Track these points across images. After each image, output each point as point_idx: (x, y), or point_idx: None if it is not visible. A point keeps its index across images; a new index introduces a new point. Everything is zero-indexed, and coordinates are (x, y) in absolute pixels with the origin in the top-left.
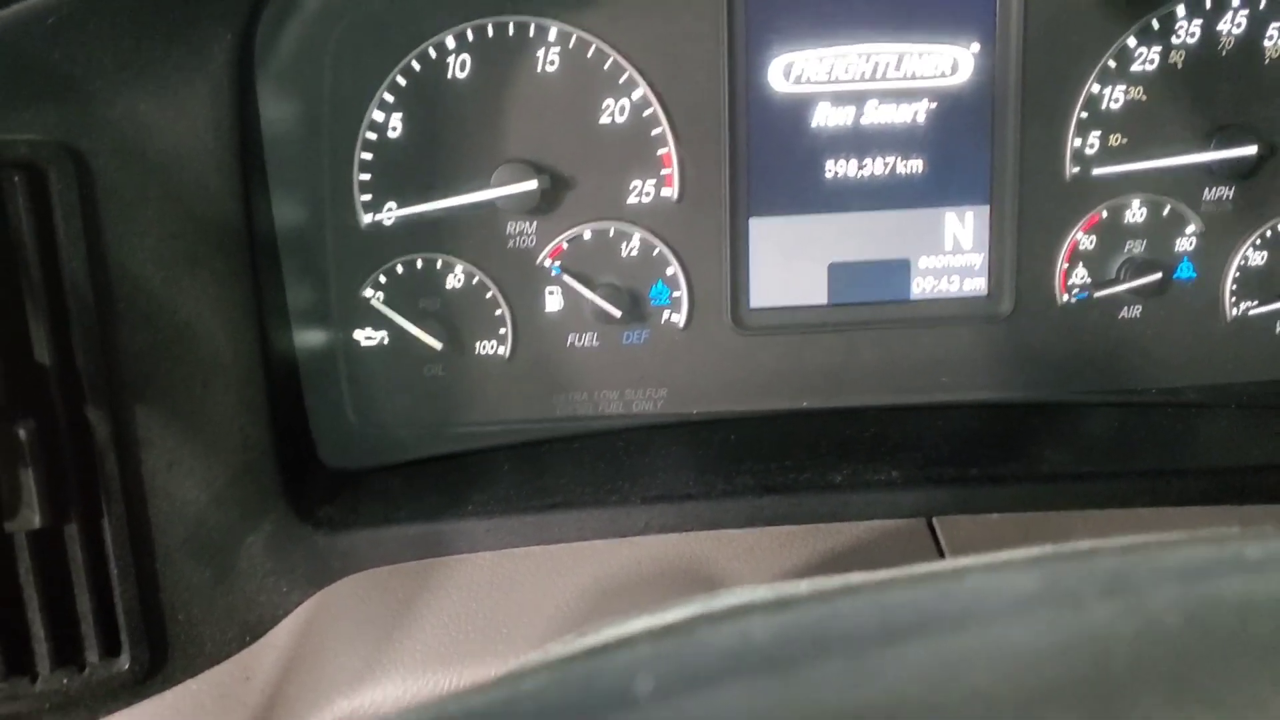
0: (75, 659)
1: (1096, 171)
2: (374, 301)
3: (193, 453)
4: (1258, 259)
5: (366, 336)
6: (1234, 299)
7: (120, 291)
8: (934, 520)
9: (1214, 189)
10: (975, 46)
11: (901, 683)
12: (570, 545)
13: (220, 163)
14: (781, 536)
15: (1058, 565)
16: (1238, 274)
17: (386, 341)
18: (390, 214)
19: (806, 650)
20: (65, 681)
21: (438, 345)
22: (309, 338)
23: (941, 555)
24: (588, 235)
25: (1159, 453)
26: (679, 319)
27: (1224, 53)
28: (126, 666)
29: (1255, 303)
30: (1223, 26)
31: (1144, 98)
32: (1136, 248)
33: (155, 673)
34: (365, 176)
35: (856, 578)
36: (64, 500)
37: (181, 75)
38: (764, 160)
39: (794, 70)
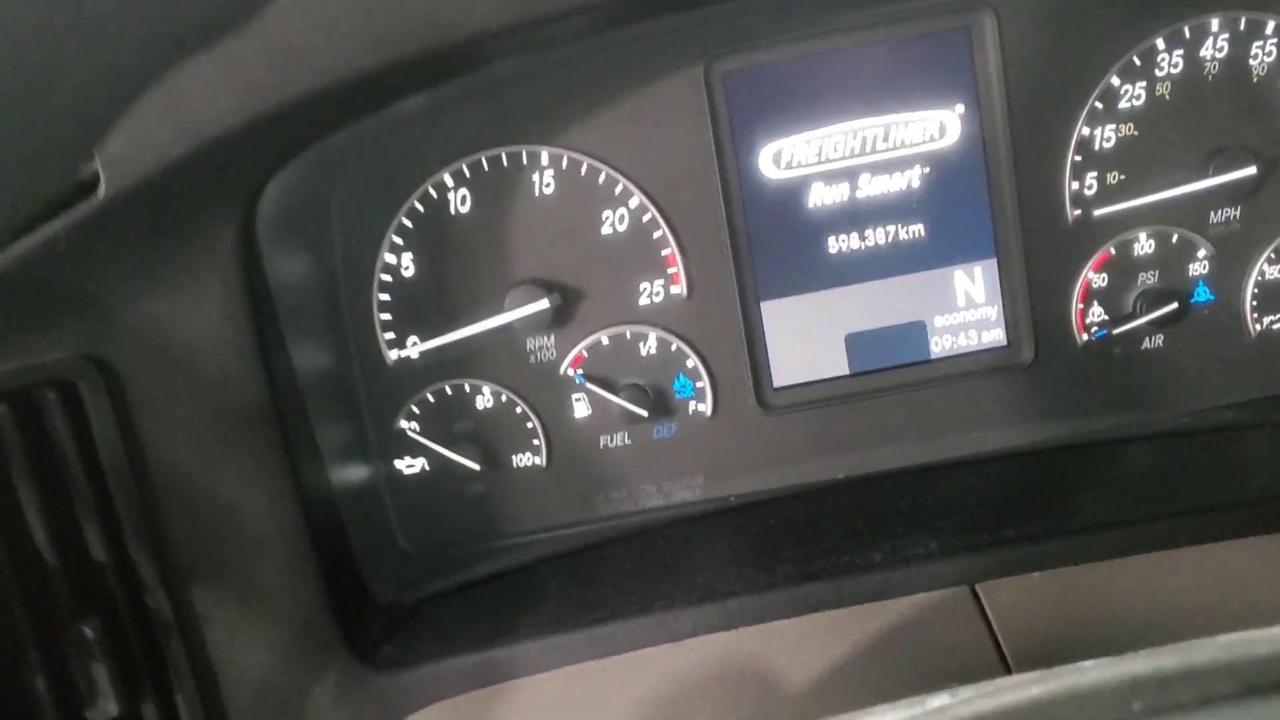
0: None
1: (1098, 212)
2: (410, 432)
3: (251, 621)
4: (1274, 272)
5: (407, 465)
6: (1255, 314)
7: (162, 483)
8: (976, 586)
9: (1219, 211)
10: (960, 108)
11: None
12: (623, 656)
13: (238, 346)
14: (827, 622)
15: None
16: (1256, 290)
17: (427, 467)
18: (414, 348)
19: None
20: None
21: (476, 466)
22: (349, 477)
23: (987, 622)
24: (605, 341)
25: (1197, 487)
26: (705, 408)
27: (1210, 78)
28: None
29: (1278, 316)
30: (1205, 53)
31: (1136, 133)
32: (1150, 279)
33: None
34: (385, 316)
35: None
36: (137, 685)
37: (191, 275)
38: (766, 245)
39: (784, 157)
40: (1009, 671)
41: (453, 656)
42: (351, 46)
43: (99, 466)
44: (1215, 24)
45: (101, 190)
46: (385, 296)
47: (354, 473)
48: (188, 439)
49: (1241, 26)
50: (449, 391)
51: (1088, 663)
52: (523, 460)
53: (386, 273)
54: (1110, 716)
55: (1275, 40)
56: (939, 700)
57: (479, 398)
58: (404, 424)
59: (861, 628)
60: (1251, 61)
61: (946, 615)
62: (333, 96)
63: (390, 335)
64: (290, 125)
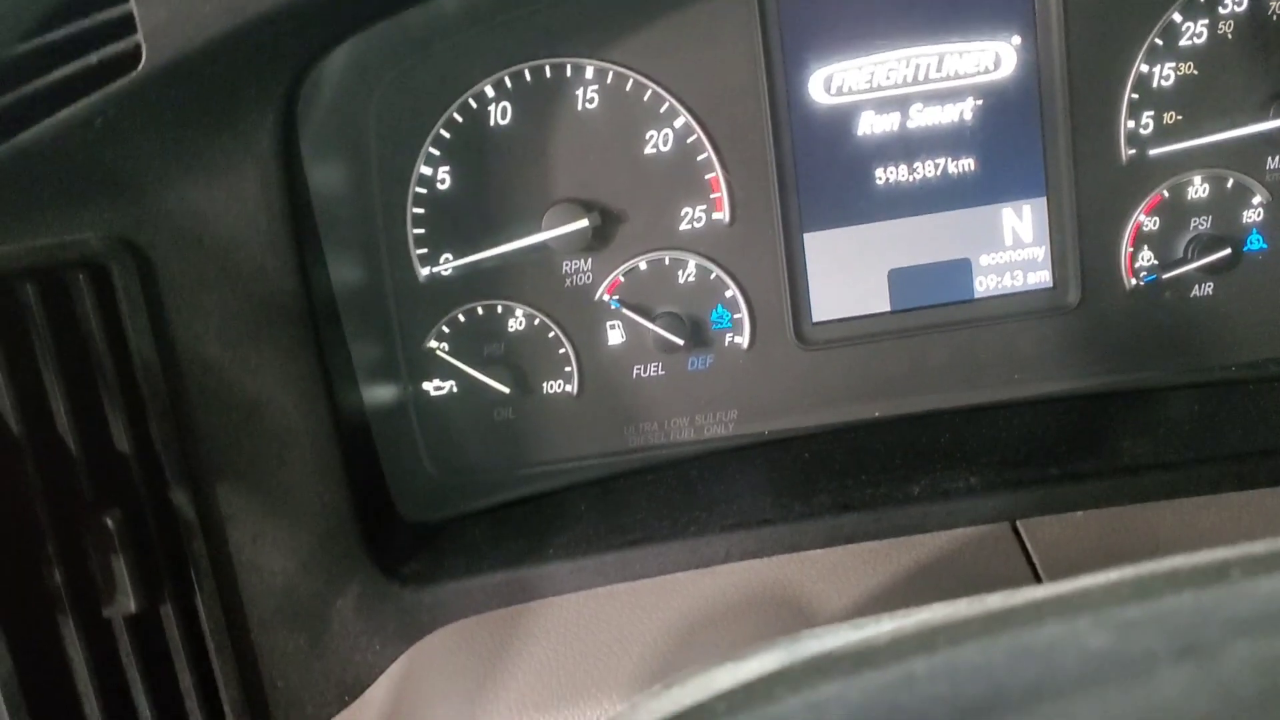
0: None
1: (1153, 152)
2: (439, 352)
3: (276, 524)
4: None
5: (435, 387)
6: None
7: (190, 375)
8: (1018, 523)
9: (1277, 157)
10: (1016, 39)
11: None
12: (653, 580)
13: (274, 240)
14: (863, 554)
15: (1130, 619)
16: None
17: (456, 390)
18: (447, 265)
19: None
20: None
21: (505, 389)
22: (379, 395)
23: (1028, 558)
24: (643, 266)
25: (1243, 433)
26: (742, 340)
27: (1275, 18)
28: None
29: None
30: None
31: (1195, 72)
32: (1202, 224)
33: None
34: (419, 231)
35: (930, 619)
36: (157, 583)
37: (228, 161)
38: (812, 174)
39: (834, 82)
40: None
41: (479, 574)
42: None
43: (127, 354)
44: None
45: (142, 63)
46: (419, 210)
47: (382, 391)
48: (219, 331)
49: None
50: (480, 312)
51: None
52: (553, 387)
53: (422, 185)
54: (1207, 580)
55: None
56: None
57: (511, 320)
58: (433, 344)
59: (897, 561)
60: None
61: (987, 551)
62: None
63: (423, 250)
64: (336, 8)
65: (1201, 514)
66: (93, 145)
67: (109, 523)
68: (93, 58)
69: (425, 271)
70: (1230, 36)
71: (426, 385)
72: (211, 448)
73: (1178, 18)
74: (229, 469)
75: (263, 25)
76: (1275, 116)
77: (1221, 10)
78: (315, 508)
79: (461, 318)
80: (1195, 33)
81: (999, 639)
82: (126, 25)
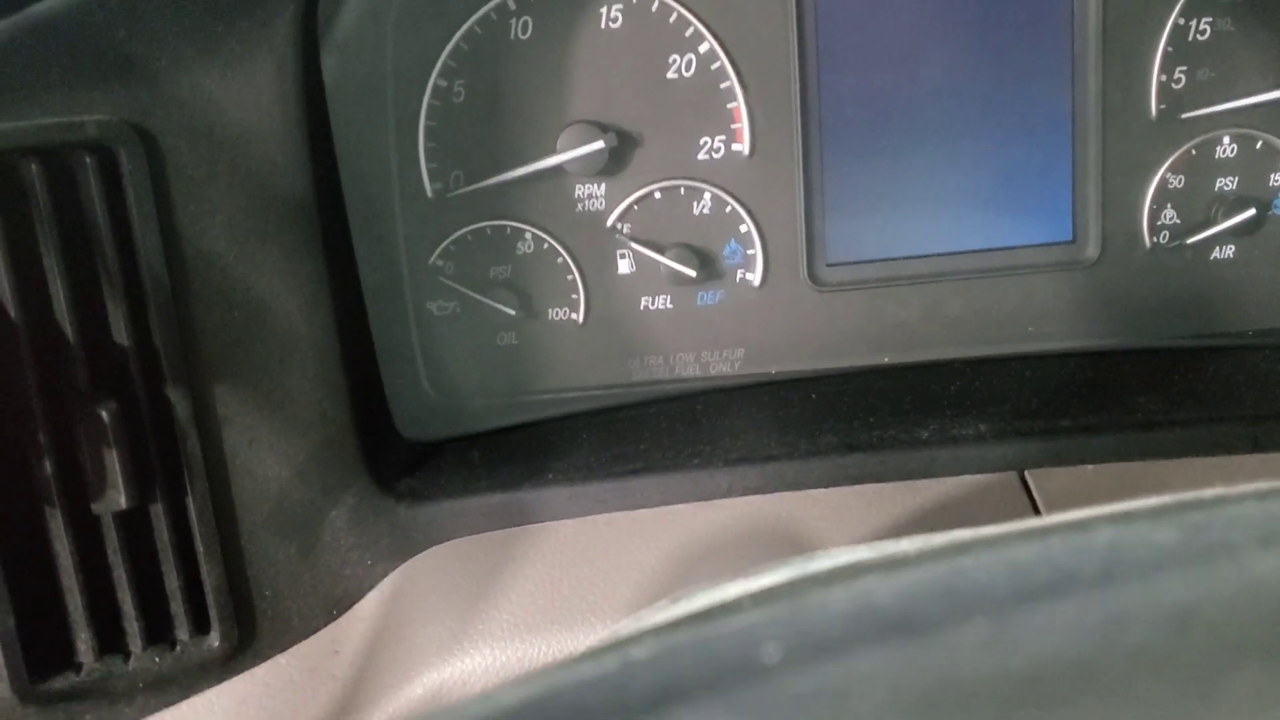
0: (166, 637)
1: (1184, 109)
2: (444, 272)
3: (272, 429)
4: None
5: (439, 306)
6: None
7: (194, 270)
8: (1026, 474)
9: None
10: None
11: (1054, 644)
12: (653, 510)
13: (287, 137)
14: (868, 495)
15: (1194, 515)
16: None
17: (459, 311)
18: (457, 183)
19: (940, 612)
20: (157, 660)
21: (511, 312)
22: (382, 309)
23: (1036, 509)
24: (658, 195)
25: (1260, 396)
26: (754, 277)
27: None
28: (217, 644)
29: None
30: None
31: (1232, 28)
32: (1228, 184)
33: (244, 649)
34: (431, 144)
35: (966, 534)
36: (149, 480)
37: (246, 49)
38: (837, 113)
39: (864, 16)
40: None
41: (476, 494)
42: None
43: (130, 243)
44: None
45: None
46: (433, 123)
47: (385, 306)
48: (226, 225)
49: None
50: (489, 233)
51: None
52: (559, 314)
53: (437, 98)
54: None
55: None
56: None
57: (519, 242)
58: (440, 262)
59: (902, 504)
60: None
61: (992, 500)
62: None
63: (434, 165)
64: None
65: (1213, 474)
66: (106, 24)
67: (103, 415)
68: None
69: (435, 187)
70: None
71: (430, 305)
72: (212, 346)
73: None
74: (228, 369)
75: None
76: None
77: None
78: (314, 416)
79: (469, 237)
80: None
81: (1052, 537)
82: None
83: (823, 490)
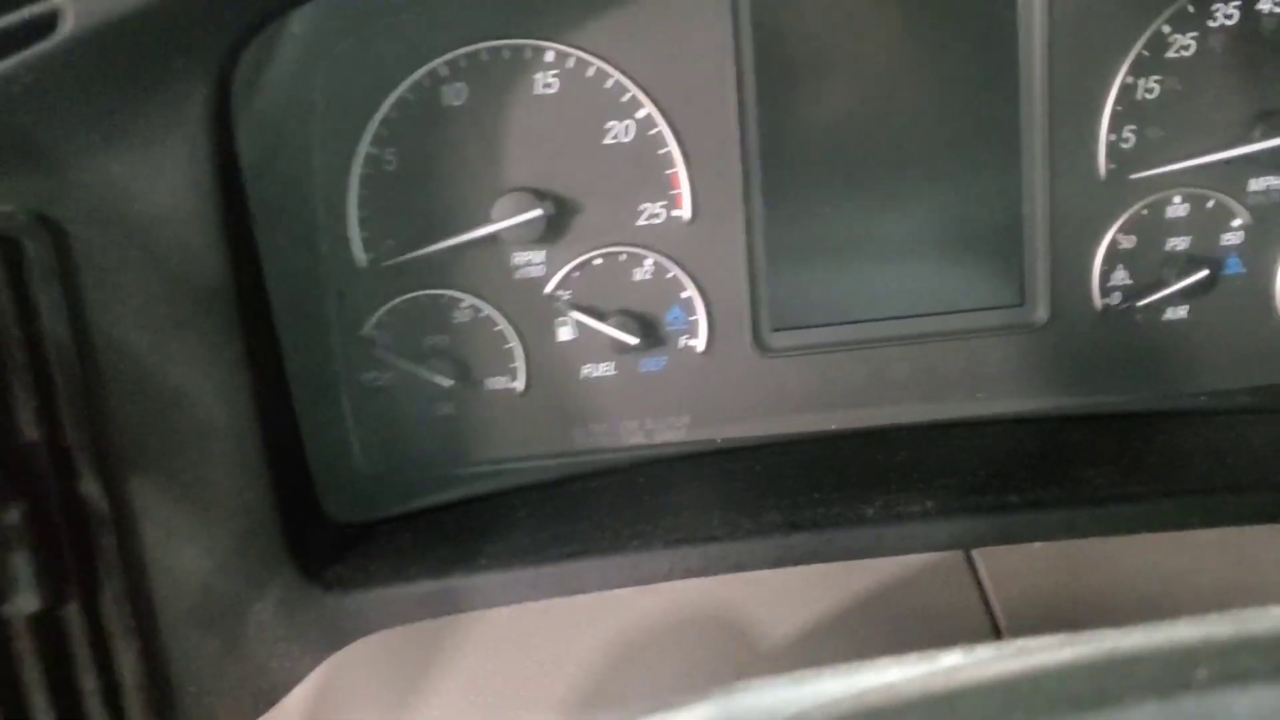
0: None
1: (1133, 169)
2: (378, 342)
3: (192, 521)
4: None
5: (373, 378)
6: None
7: (106, 360)
8: (973, 553)
9: (1260, 179)
10: (999, 40)
11: None
12: (592, 596)
13: (202, 220)
14: (812, 576)
15: None
16: None
17: (394, 381)
18: (391, 252)
19: None
20: None
21: (448, 382)
22: (311, 386)
23: (981, 590)
24: (598, 261)
25: (1211, 467)
26: (697, 343)
27: (1265, 34)
28: None
29: None
30: (1263, 6)
31: (1181, 87)
32: (1179, 244)
33: None
34: (363, 213)
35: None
36: (62, 580)
37: (156, 134)
38: (778, 176)
39: (806, 82)
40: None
41: (407, 581)
42: None
43: (38, 335)
44: None
45: (66, 25)
46: (365, 192)
47: (314, 380)
48: (138, 314)
49: None
50: (424, 302)
51: (1113, 630)
52: (497, 383)
53: (368, 166)
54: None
55: None
56: (951, 659)
57: (456, 311)
58: (372, 332)
59: (847, 585)
60: None
61: (938, 580)
62: None
63: (366, 234)
64: None
65: (1166, 551)
66: (10, 112)
67: (11, 516)
68: (11, 18)
69: (367, 256)
70: (1219, 51)
71: (364, 376)
72: (126, 438)
73: (1166, 29)
74: (144, 461)
75: None
76: (1261, 138)
77: (1211, 24)
78: (235, 505)
79: (403, 306)
80: (1183, 45)
81: None
82: None
83: (766, 571)
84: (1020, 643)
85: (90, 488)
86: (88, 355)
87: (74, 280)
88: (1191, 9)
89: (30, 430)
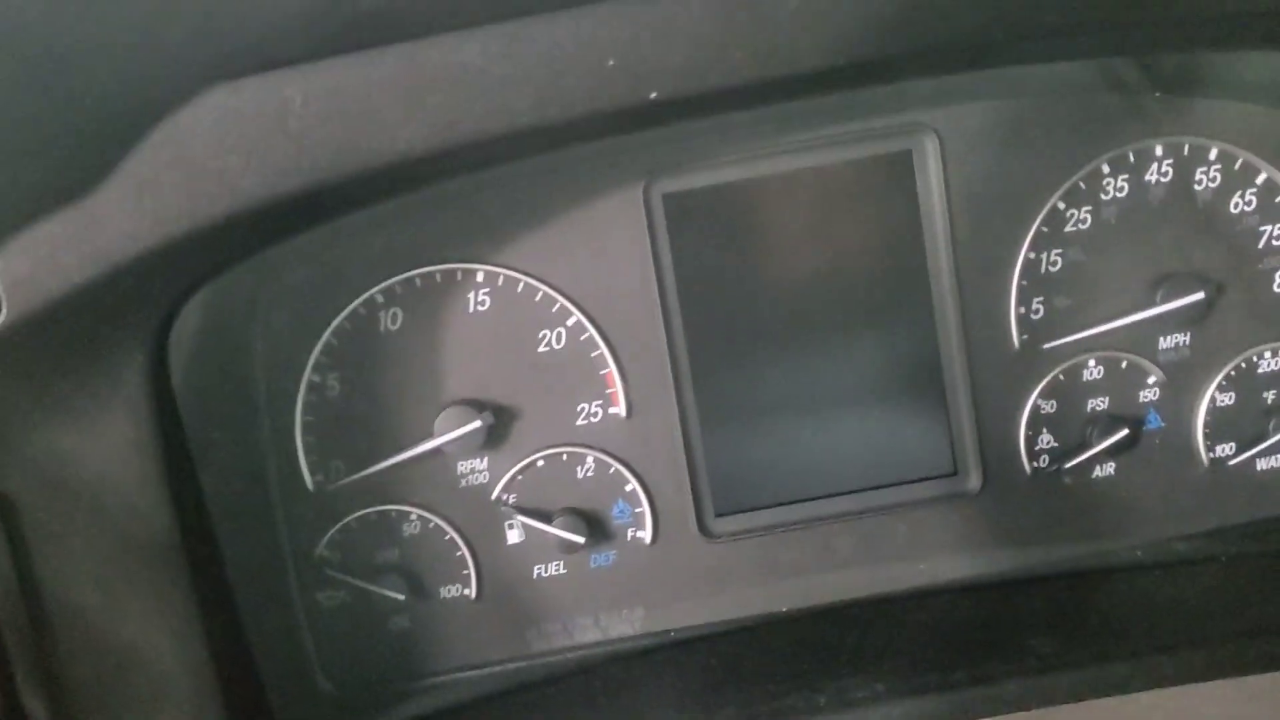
0: None
1: (1045, 338)
2: (331, 562)
3: None
4: (1225, 400)
5: (328, 597)
6: (1208, 443)
7: (58, 621)
8: None
9: (1169, 337)
10: (902, 231)
11: None
12: None
13: (145, 478)
14: None
15: None
16: (1208, 418)
17: (349, 599)
18: (338, 474)
19: None
20: None
21: (400, 597)
22: (265, 615)
23: None
24: (541, 463)
25: (1149, 627)
26: (644, 535)
27: (1156, 203)
28: None
29: (1231, 445)
30: (1150, 177)
31: (1083, 257)
32: (1099, 405)
33: None
34: (308, 438)
35: None
36: None
37: (96, 404)
38: (707, 369)
39: (724, 279)
40: None
41: None
42: (271, 170)
43: None
44: (1159, 149)
45: (2, 314)
46: (309, 418)
47: (269, 607)
48: (88, 576)
49: (1185, 152)
50: (373, 518)
51: None
52: (450, 591)
53: (312, 393)
54: None
55: (1219, 166)
56: None
57: (405, 525)
58: (325, 552)
59: None
60: (1196, 187)
61: None
62: (251, 221)
63: (313, 458)
64: (205, 250)
65: (1113, 715)
66: None
67: None
68: None
69: (316, 479)
70: (1114, 221)
71: (319, 596)
72: (82, 698)
73: (1061, 205)
74: (99, 718)
75: (127, 272)
76: (1164, 300)
77: (1104, 197)
78: None
79: (354, 525)
80: (1079, 219)
81: None
82: None
83: None
84: None
85: None
86: (39, 618)
87: (23, 547)
88: (1083, 185)
89: None
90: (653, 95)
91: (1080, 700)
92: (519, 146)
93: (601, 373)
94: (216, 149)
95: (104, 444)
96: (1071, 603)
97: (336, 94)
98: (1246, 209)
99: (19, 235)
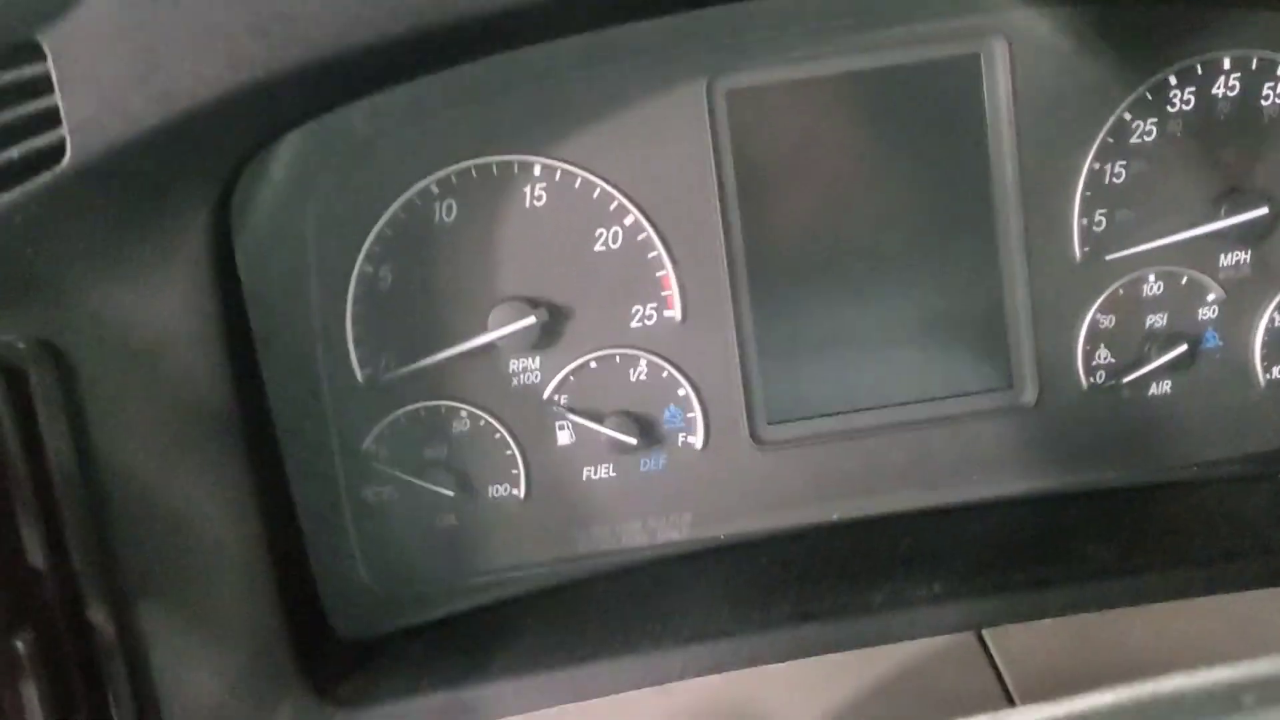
0: None
1: (1107, 250)
2: (378, 457)
3: (202, 644)
4: None
5: (374, 492)
6: (1265, 364)
7: (112, 486)
8: (983, 632)
9: (1230, 254)
10: (969, 136)
11: None
12: (606, 700)
13: (204, 345)
14: (827, 666)
15: None
16: (1266, 338)
17: (396, 495)
18: (388, 367)
19: None
20: None
21: (449, 494)
22: (314, 503)
23: (995, 668)
24: (593, 365)
25: (1209, 536)
26: (696, 441)
27: (1222, 116)
28: None
29: None
30: (1216, 90)
31: (1147, 170)
32: (1158, 322)
33: None
34: (359, 330)
35: None
36: (71, 708)
37: (158, 262)
38: (765, 274)
39: (786, 180)
40: None
41: (419, 695)
42: (347, 17)
43: (44, 464)
44: (1227, 62)
45: (67, 158)
46: (360, 309)
47: (317, 497)
48: (143, 440)
49: (1254, 65)
50: (423, 414)
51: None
52: (499, 491)
53: (363, 284)
54: (1219, 711)
55: None
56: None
57: (455, 421)
58: (372, 447)
59: (861, 673)
60: (1263, 102)
61: (952, 662)
62: (323, 73)
63: (363, 351)
64: (274, 102)
65: (1170, 621)
66: (12, 243)
67: (19, 646)
68: (14, 152)
69: (364, 372)
70: (1180, 135)
71: (365, 491)
72: (133, 564)
73: (1128, 116)
74: (152, 586)
75: (196, 119)
76: (1226, 215)
77: (1170, 109)
78: (244, 626)
79: (403, 420)
80: (1145, 131)
81: None
82: (51, 118)
83: (778, 665)
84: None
85: (98, 615)
86: (94, 482)
87: (79, 408)
88: (1150, 96)
89: (36, 557)
90: None
91: (1139, 605)
92: (590, 12)
93: (658, 275)
94: None
95: (164, 304)
96: (1128, 514)
97: None
98: None
99: (85, 74)
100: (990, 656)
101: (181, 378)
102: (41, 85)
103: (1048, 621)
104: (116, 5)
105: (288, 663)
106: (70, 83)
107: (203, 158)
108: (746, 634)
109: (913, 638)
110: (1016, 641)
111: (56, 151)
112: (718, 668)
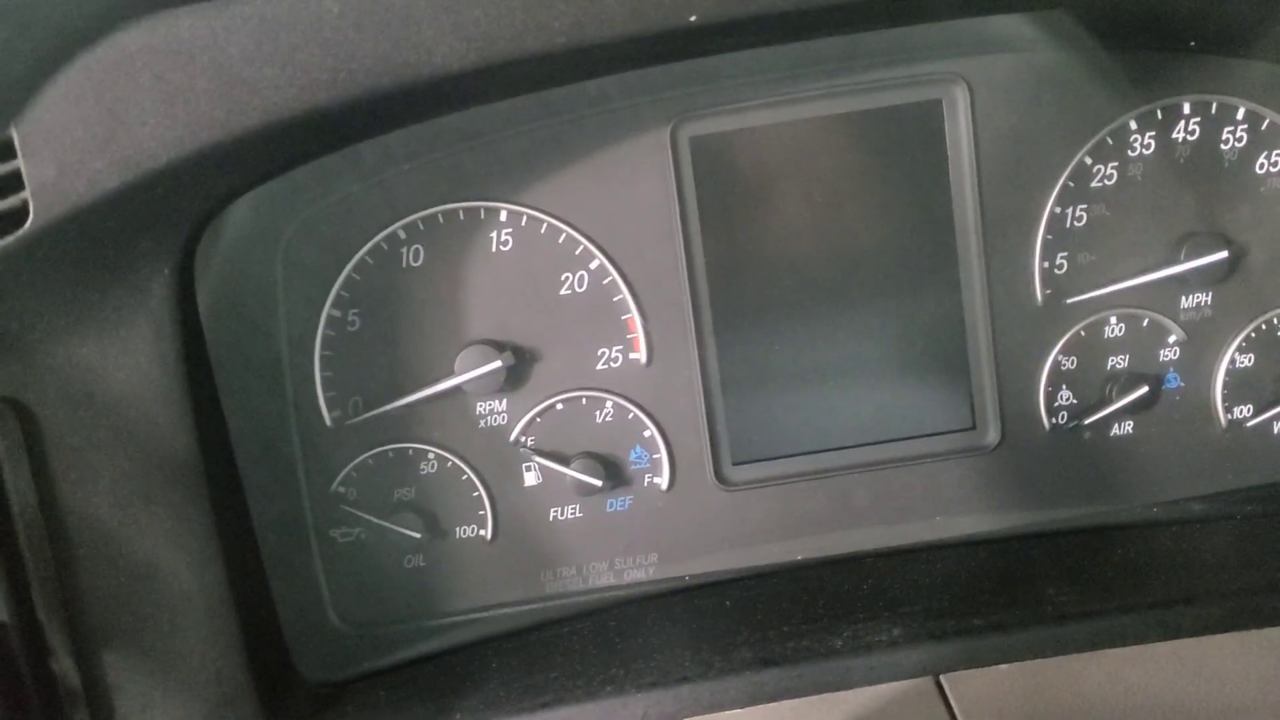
0: None
1: (1068, 293)
2: (347, 499)
3: (167, 692)
4: (1245, 361)
5: (343, 534)
6: (1226, 404)
7: (76, 538)
8: (941, 677)
9: (1190, 296)
10: (930, 181)
11: None
12: None
13: (168, 396)
14: (786, 712)
15: None
16: (1227, 379)
17: (364, 536)
18: (356, 410)
19: None
20: None
21: (416, 535)
22: (282, 547)
23: (951, 715)
24: (560, 406)
25: (1166, 580)
26: (661, 481)
27: (1182, 161)
28: None
29: (1249, 406)
30: (1177, 135)
31: (1108, 213)
32: (1120, 363)
33: None
34: (328, 374)
35: None
36: None
37: (121, 316)
38: (729, 317)
39: (748, 226)
40: None
41: None
42: (307, 81)
43: (8, 516)
44: (1187, 107)
45: (30, 220)
46: (329, 353)
47: (284, 540)
48: (107, 492)
49: (1213, 110)
50: (391, 456)
51: None
52: (466, 532)
53: (331, 328)
54: None
55: (1245, 125)
56: None
57: (423, 463)
58: (341, 489)
59: (820, 718)
60: (1223, 146)
61: (910, 708)
62: (283, 134)
63: (332, 394)
64: (236, 162)
65: (1127, 666)
66: None
67: None
68: None
69: (334, 415)
70: (1140, 178)
71: (333, 533)
72: (98, 614)
73: (1088, 160)
74: (117, 636)
75: (157, 181)
76: (1187, 258)
77: (1130, 153)
78: (210, 673)
79: (371, 462)
80: (1106, 175)
81: None
82: (14, 181)
83: (740, 710)
84: None
85: (63, 664)
86: (58, 534)
87: (43, 460)
88: (1110, 141)
89: (1, 610)
90: (692, 18)
91: (1097, 649)
92: (553, 71)
93: (623, 318)
94: (252, 57)
95: (128, 358)
96: (1088, 556)
97: (374, 4)
98: (1272, 170)
99: (47, 139)
100: (947, 702)
101: (146, 429)
102: (4, 150)
103: (1005, 666)
104: (78, 71)
105: (254, 709)
106: (33, 147)
107: (164, 217)
108: (707, 679)
109: (872, 683)
110: (973, 686)
111: (19, 214)
112: (680, 713)
